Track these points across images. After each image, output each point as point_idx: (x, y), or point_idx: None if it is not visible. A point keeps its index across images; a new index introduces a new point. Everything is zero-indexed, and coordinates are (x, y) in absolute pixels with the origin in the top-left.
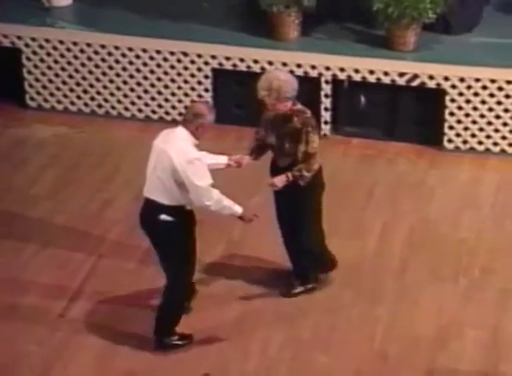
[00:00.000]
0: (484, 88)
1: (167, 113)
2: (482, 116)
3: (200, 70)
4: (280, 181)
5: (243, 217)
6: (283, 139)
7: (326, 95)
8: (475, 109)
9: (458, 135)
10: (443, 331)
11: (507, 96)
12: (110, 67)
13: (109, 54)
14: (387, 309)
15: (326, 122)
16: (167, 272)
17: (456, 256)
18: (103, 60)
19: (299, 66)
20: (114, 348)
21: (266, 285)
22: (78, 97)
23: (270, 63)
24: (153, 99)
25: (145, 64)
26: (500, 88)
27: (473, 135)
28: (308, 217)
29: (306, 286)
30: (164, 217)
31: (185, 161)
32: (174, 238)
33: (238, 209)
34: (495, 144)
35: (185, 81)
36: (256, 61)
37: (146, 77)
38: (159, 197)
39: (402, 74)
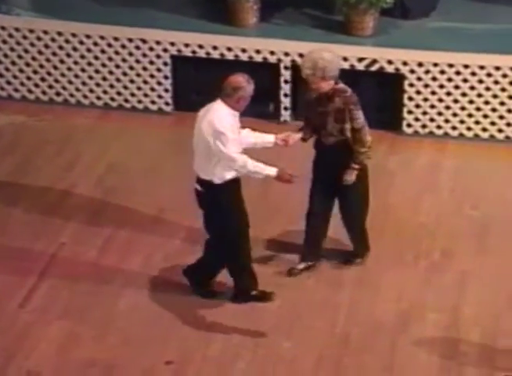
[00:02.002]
0: (442, 72)
1: (126, 100)
2: (441, 100)
3: (158, 56)
4: (351, 175)
5: (280, 177)
6: (326, 119)
7: (286, 81)
8: (433, 93)
9: (417, 119)
10: (404, 315)
11: (465, 80)
12: (68, 55)
13: (67, 41)
14: (349, 294)
15: (285, 108)
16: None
17: (416, 240)
18: (61, 48)
19: (258, 52)
20: (76, 337)
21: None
22: (36, 85)
23: (229, 49)
24: (111, 86)
25: (103, 51)
26: (458, 73)
27: (432, 120)
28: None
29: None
30: (197, 186)
31: (212, 131)
32: (210, 210)
33: (271, 171)
34: (454, 128)
35: (144, 68)
36: (215, 47)
37: (104, 65)
38: (198, 170)
39: (360, 60)
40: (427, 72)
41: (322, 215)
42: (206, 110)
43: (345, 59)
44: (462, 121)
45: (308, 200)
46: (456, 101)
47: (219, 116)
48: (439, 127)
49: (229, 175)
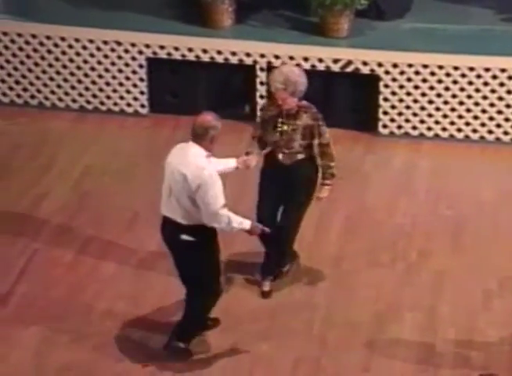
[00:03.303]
0: (417, 73)
1: (101, 103)
2: (416, 101)
3: (134, 59)
4: (326, 191)
5: (250, 231)
6: (292, 136)
7: (262, 83)
8: (409, 94)
9: (392, 120)
10: (381, 315)
11: (439, 81)
12: (42, 58)
13: (41, 44)
14: (325, 295)
15: (262, 109)
16: (191, 288)
17: (393, 241)
18: (35, 50)
19: (234, 53)
20: (51, 342)
21: None
22: (10, 88)
23: (204, 51)
24: (87, 89)
25: (78, 54)
26: (433, 73)
27: (407, 121)
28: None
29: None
30: (185, 237)
31: (199, 181)
32: (198, 257)
33: (246, 225)
34: (429, 129)
35: (120, 71)
36: (190, 49)
37: (79, 67)
38: (178, 217)
39: (336, 61)
40: (402, 73)
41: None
42: (180, 155)
43: (320, 60)
44: (437, 122)
45: (256, 217)
46: (431, 102)
47: (203, 162)
48: (414, 127)
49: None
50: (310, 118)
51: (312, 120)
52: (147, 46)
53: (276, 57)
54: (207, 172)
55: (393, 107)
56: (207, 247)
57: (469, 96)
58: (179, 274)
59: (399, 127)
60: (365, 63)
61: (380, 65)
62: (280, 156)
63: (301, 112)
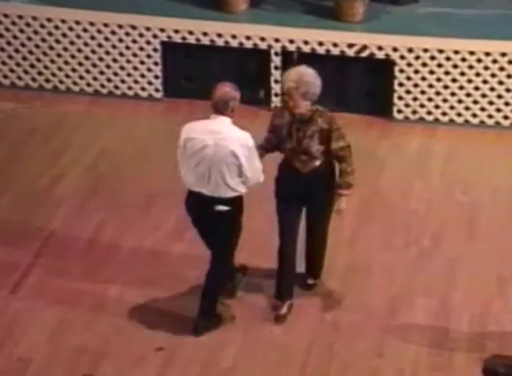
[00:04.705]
0: (433, 58)
1: (116, 87)
2: (431, 86)
3: (148, 43)
4: (343, 202)
5: None
6: (309, 142)
7: (276, 68)
8: (424, 79)
9: (407, 105)
10: (394, 300)
11: (455, 66)
12: (57, 41)
13: (56, 28)
14: (339, 279)
15: (276, 94)
16: (217, 256)
17: (407, 226)
18: (50, 34)
19: (248, 38)
20: (66, 324)
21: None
22: (25, 72)
23: (219, 35)
24: (101, 73)
25: (93, 38)
26: (448, 58)
27: (422, 106)
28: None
29: None
30: (220, 208)
31: (247, 151)
32: (231, 223)
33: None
34: (444, 114)
35: (134, 55)
36: (205, 34)
37: (94, 51)
38: (220, 194)
39: (351, 45)
40: (418, 58)
41: (294, 249)
42: (213, 133)
43: (335, 45)
44: (452, 107)
45: (280, 234)
46: (446, 87)
47: (239, 131)
48: (429, 113)
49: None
50: (325, 122)
51: (327, 124)
52: (162, 30)
53: (291, 42)
54: (248, 138)
55: (408, 92)
56: (239, 214)
57: (484, 81)
58: (207, 242)
59: (414, 112)
60: (380, 48)
61: (395, 50)
62: (297, 163)
63: (315, 116)
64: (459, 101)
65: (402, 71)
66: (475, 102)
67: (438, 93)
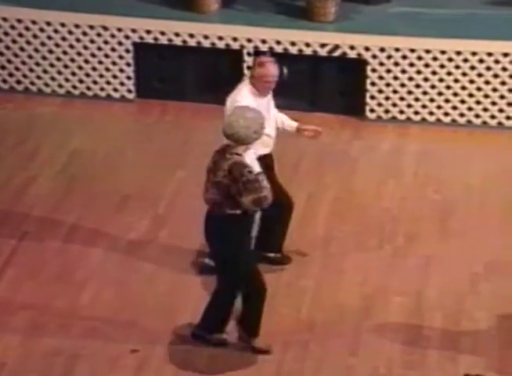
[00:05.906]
0: (404, 57)
1: (88, 88)
2: (403, 85)
3: (120, 44)
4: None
5: None
6: None
7: (249, 68)
8: (396, 78)
9: (380, 104)
10: (368, 299)
11: (426, 65)
12: (28, 42)
13: (27, 29)
14: (313, 279)
15: None
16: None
17: (380, 225)
18: (21, 35)
19: (220, 38)
20: (39, 327)
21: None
22: None
23: (191, 35)
24: (73, 74)
25: (64, 39)
26: (420, 58)
27: (394, 105)
28: None
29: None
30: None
31: None
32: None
33: None
34: (416, 113)
35: (106, 56)
36: (177, 34)
37: (65, 52)
38: None
39: (323, 45)
40: (389, 57)
41: None
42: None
43: (307, 44)
44: (424, 106)
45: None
46: (418, 86)
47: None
48: (402, 112)
49: None
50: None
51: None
52: (134, 31)
53: (263, 42)
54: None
55: (380, 92)
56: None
57: (456, 80)
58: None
59: (386, 111)
60: (352, 48)
61: (367, 49)
62: None
63: None
64: (431, 100)
65: (374, 70)
66: (447, 100)
67: (409, 92)
